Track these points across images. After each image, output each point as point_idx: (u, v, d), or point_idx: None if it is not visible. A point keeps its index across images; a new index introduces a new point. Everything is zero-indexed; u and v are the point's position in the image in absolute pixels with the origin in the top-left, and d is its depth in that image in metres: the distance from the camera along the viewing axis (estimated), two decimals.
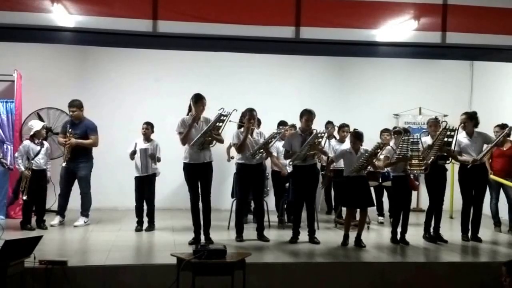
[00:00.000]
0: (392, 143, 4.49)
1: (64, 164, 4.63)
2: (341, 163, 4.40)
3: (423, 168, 4.13)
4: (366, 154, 4.03)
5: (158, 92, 6.00)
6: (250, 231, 4.42)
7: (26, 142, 4.57)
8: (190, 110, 4.12)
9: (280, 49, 4.15)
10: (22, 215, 4.59)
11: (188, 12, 3.32)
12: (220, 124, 3.98)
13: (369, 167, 4.27)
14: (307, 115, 4.20)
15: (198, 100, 4.02)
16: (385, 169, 4.46)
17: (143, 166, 4.65)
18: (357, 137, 4.16)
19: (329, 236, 4.58)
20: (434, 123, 4.43)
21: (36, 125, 4.65)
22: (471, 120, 4.41)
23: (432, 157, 4.18)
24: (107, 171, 5.78)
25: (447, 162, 4.40)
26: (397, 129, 4.78)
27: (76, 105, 4.73)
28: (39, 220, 4.58)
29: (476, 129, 4.46)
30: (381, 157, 4.38)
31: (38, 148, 4.55)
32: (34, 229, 4.42)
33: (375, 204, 4.36)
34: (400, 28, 3.67)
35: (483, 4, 3.65)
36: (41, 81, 5.67)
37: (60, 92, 5.40)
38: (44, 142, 4.69)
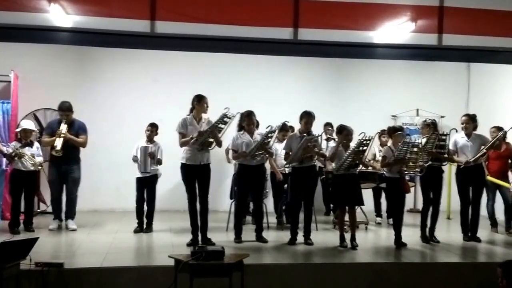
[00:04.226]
0: (389, 143, 4.50)
1: (58, 149, 4.34)
2: None
3: (418, 170, 4.15)
4: (350, 151, 4.01)
5: (156, 93, 5.99)
6: (248, 233, 4.41)
7: (14, 143, 4.50)
8: (191, 111, 4.11)
9: (278, 50, 4.16)
10: (10, 217, 4.50)
11: (186, 13, 3.33)
12: (222, 126, 3.97)
13: (364, 167, 4.26)
14: (307, 118, 4.21)
15: (201, 100, 4.03)
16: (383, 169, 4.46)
17: (142, 164, 4.62)
18: (344, 130, 4.14)
19: (328, 237, 4.57)
20: (423, 126, 4.49)
21: (24, 124, 4.55)
22: (473, 121, 4.46)
23: (425, 160, 4.20)
24: (104, 173, 5.76)
25: (443, 164, 4.42)
26: (393, 127, 4.72)
27: (69, 108, 4.60)
28: (27, 223, 4.49)
29: (474, 131, 4.50)
30: (379, 157, 4.38)
31: (15, 146, 4.41)
32: (19, 233, 4.31)
33: (364, 203, 4.34)
34: (397, 30, 3.69)
35: (479, 6, 3.69)
36: (38, 82, 5.64)
37: (57, 93, 5.36)
38: (35, 142, 4.58)
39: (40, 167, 4.54)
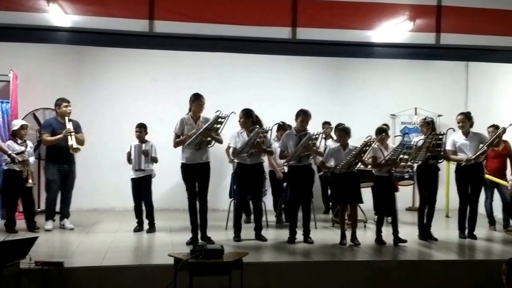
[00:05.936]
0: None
1: (76, 147, 4.36)
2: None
3: (406, 170, 4.20)
4: (354, 151, 4.05)
5: (156, 92, 6.00)
6: (248, 231, 4.43)
7: (9, 142, 4.49)
8: (190, 110, 4.12)
9: (277, 50, 4.16)
10: (5, 217, 4.47)
11: (185, 12, 3.33)
12: (218, 126, 3.98)
13: (361, 166, 4.29)
14: (303, 116, 4.22)
15: (197, 99, 4.04)
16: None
17: (137, 163, 4.60)
18: (345, 131, 4.19)
19: (327, 235, 4.60)
20: (423, 124, 4.53)
21: (17, 123, 4.55)
22: (468, 119, 4.48)
23: (422, 159, 4.24)
24: (104, 172, 5.77)
25: (439, 161, 4.45)
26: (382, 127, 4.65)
27: (69, 102, 4.61)
28: (30, 222, 4.46)
29: (472, 129, 4.52)
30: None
31: (23, 148, 4.42)
32: (17, 232, 4.29)
33: (363, 201, 4.36)
34: (395, 29, 3.70)
35: (477, 5, 3.69)
36: (37, 82, 5.65)
37: (56, 93, 5.35)
38: (28, 142, 4.57)
39: (30, 183, 4.39)
